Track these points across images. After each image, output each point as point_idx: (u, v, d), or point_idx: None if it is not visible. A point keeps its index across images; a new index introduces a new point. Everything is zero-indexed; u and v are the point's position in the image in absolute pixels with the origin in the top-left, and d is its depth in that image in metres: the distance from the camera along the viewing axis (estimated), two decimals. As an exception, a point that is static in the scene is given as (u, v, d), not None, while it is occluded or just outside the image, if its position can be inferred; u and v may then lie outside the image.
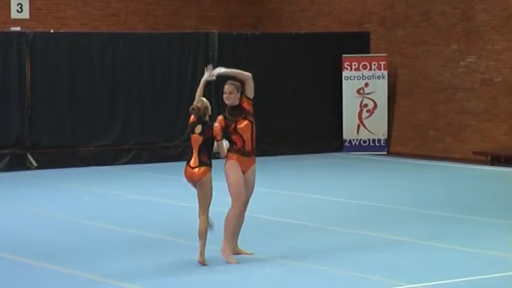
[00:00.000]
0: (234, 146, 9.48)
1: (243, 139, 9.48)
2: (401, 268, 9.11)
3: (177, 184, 15.43)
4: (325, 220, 11.85)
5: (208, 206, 9.41)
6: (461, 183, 15.57)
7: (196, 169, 9.35)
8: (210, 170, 9.36)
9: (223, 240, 9.47)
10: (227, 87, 9.54)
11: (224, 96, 9.56)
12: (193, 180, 9.42)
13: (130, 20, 20.14)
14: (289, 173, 16.75)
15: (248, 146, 9.51)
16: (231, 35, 19.08)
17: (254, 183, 9.63)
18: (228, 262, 9.35)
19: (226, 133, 9.49)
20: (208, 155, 9.37)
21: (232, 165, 9.48)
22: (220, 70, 9.73)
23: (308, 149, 18.96)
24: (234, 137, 9.48)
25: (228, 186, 9.50)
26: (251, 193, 9.63)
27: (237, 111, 9.51)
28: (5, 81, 16.86)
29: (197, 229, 9.35)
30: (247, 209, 9.71)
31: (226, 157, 9.50)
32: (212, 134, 9.34)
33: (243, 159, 9.49)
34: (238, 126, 9.46)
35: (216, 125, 9.39)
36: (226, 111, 9.55)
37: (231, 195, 9.51)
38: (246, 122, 9.49)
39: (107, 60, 17.71)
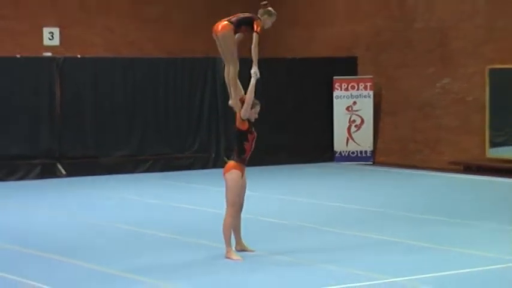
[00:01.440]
0: (242, 155, 9.36)
1: (251, 149, 9.41)
2: (387, 264, 9.05)
3: (188, 190, 15.47)
4: (318, 222, 11.79)
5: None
6: (438, 189, 15.53)
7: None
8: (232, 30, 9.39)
9: (225, 245, 9.39)
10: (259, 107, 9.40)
11: (255, 115, 9.37)
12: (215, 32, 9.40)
13: (148, 46, 20.15)
14: (287, 180, 16.73)
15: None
16: (236, 59, 19.03)
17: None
18: (233, 260, 9.31)
19: (244, 138, 9.33)
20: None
21: (236, 175, 9.35)
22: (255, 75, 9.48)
23: (303, 159, 18.93)
24: (247, 145, 9.36)
25: (228, 191, 9.38)
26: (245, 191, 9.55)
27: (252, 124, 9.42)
28: (38, 99, 16.87)
29: None
30: (247, 211, 9.70)
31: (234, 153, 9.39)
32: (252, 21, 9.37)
33: (243, 167, 9.42)
34: (255, 137, 9.39)
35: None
36: (250, 124, 9.39)
37: (227, 201, 9.39)
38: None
39: (126, 82, 17.71)
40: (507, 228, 11.12)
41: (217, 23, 9.56)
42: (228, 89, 9.64)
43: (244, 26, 9.51)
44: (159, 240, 10.64)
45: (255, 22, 9.49)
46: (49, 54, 18.37)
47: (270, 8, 9.60)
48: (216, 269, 8.93)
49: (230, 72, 9.65)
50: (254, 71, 9.48)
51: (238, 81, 9.55)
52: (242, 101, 9.38)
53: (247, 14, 9.61)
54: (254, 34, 9.46)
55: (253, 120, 9.43)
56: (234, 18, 9.55)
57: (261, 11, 9.58)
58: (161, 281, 8.43)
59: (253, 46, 9.47)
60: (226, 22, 9.50)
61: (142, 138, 17.81)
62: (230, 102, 9.60)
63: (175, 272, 8.84)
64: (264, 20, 9.58)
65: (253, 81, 9.41)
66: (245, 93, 9.48)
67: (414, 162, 18.50)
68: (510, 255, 9.41)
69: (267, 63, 19.20)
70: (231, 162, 9.39)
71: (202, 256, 9.50)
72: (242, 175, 9.34)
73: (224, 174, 9.40)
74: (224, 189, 9.45)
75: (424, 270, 8.69)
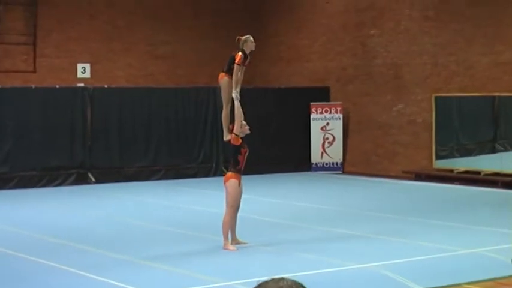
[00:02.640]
0: (237, 166, 9.38)
1: (244, 161, 9.44)
2: (353, 253, 9.11)
3: (194, 194, 15.48)
4: (297, 219, 11.83)
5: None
6: (395, 193, 15.59)
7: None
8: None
9: (222, 238, 9.42)
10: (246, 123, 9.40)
11: (247, 128, 9.40)
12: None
13: (161, 78, 20.20)
14: (273, 186, 16.75)
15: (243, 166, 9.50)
16: (232, 89, 19.05)
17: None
18: (229, 250, 9.33)
19: (238, 152, 9.33)
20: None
21: (234, 183, 9.38)
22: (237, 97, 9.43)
23: (287, 169, 18.95)
24: (240, 158, 9.38)
25: (228, 196, 9.42)
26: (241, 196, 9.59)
27: (244, 141, 9.44)
28: (73, 122, 16.88)
29: None
30: (242, 210, 9.74)
31: (231, 170, 9.37)
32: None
33: (239, 176, 9.43)
34: (247, 151, 9.41)
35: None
36: (242, 140, 9.40)
37: (227, 204, 9.43)
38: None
39: (144, 107, 17.73)
40: (452, 225, 11.18)
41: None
42: (223, 127, 9.66)
43: (232, 65, 9.49)
44: (170, 234, 10.68)
45: (236, 56, 9.47)
46: (82, 85, 18.41)
47: (241, 38, 9.57)
48: (216, 257, 8.98)
49: (223, 113, 9.63)
50: (235, 94, 9.46)
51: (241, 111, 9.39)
52: (231, 131, 9.43)
53: (232, 54, 9.57)
54: (235, 65, 9.44)
55: (248, 132, 9.40)
56: (225, 67, 9.59)
57: (240, 44, 9.56)
58: (172, 266, 8.49)
59: (233, 74, 9.44)
60: (221, 73, 9.59)
61: (157, 152, 17.83)
62: (224, 138, 9.65)
63: (183, 259, 8.89)
64: (247, 46, 9.51)
65: (236, 103, 9.43)
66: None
67: (375, 171, 18.56)
68: (456, 246, 9.47)
69: (258, 92, 19.37)
70: (230, 173, 9.42)
71: (205, 247, 9.54)
72: (239, 183, 9.38)
73: (225, 182, 9.44)
74: (224, 193, 9.51)
75: (384, 258, 8.74)
